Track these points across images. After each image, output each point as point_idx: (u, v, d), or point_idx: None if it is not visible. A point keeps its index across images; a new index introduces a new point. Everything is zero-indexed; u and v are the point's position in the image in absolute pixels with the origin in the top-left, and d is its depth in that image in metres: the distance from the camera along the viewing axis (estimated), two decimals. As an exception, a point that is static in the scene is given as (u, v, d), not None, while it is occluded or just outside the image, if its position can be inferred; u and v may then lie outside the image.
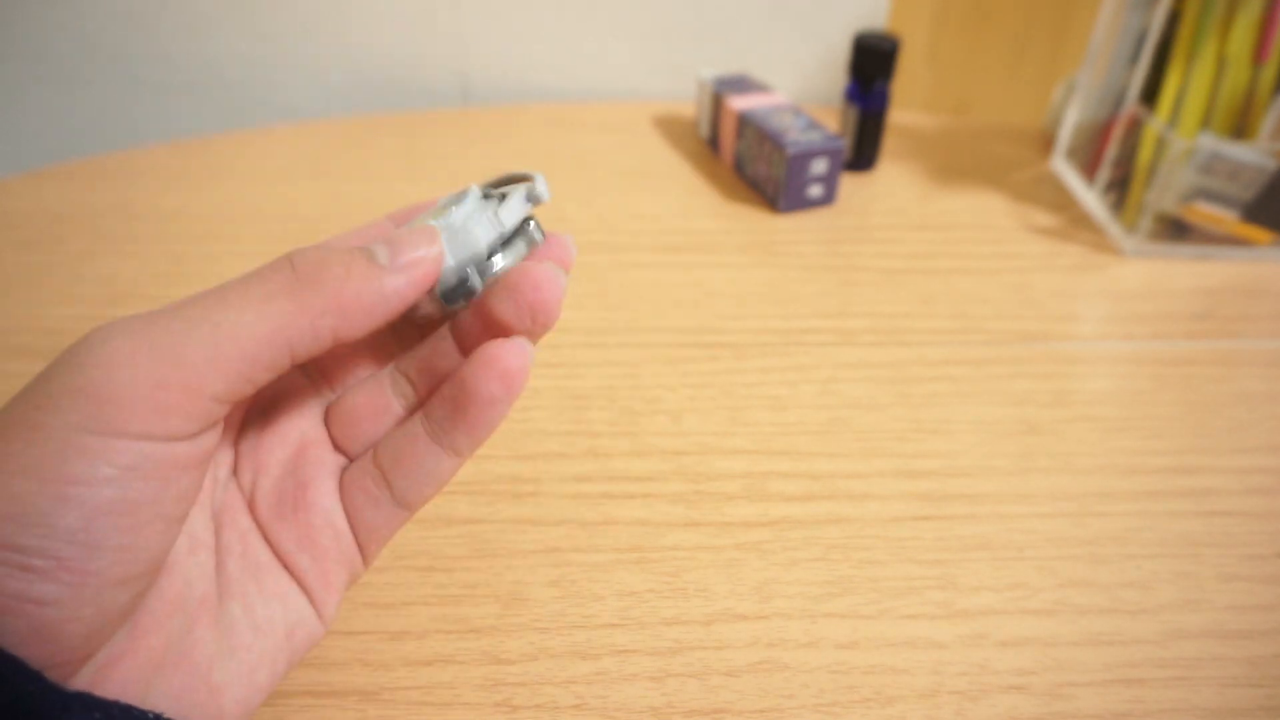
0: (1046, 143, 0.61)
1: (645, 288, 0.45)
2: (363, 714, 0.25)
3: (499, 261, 0.22)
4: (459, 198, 0.23)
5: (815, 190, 0.52)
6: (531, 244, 0.23)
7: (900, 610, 0.29)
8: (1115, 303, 0.46)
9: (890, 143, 0.61)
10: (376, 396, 0.23)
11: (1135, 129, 0.50)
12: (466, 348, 0.22)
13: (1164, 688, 0.27)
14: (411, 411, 0.23)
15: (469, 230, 0.22)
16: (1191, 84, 0.46)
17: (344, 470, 0.23)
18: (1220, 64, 0.46)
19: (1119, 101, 0.52)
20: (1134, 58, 0.50)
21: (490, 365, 0.21)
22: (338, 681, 0.26)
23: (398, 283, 0.20)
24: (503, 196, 0.23)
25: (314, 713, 0.25)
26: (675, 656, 0.28)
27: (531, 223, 0.23)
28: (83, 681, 0.18)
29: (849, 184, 0.56)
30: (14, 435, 0.17)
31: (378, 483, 0.22)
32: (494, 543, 0.31)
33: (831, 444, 0.36)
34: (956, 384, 0.39)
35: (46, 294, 0.44)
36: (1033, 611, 0.29)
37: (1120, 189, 0.51)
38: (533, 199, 0.23)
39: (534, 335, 0.22)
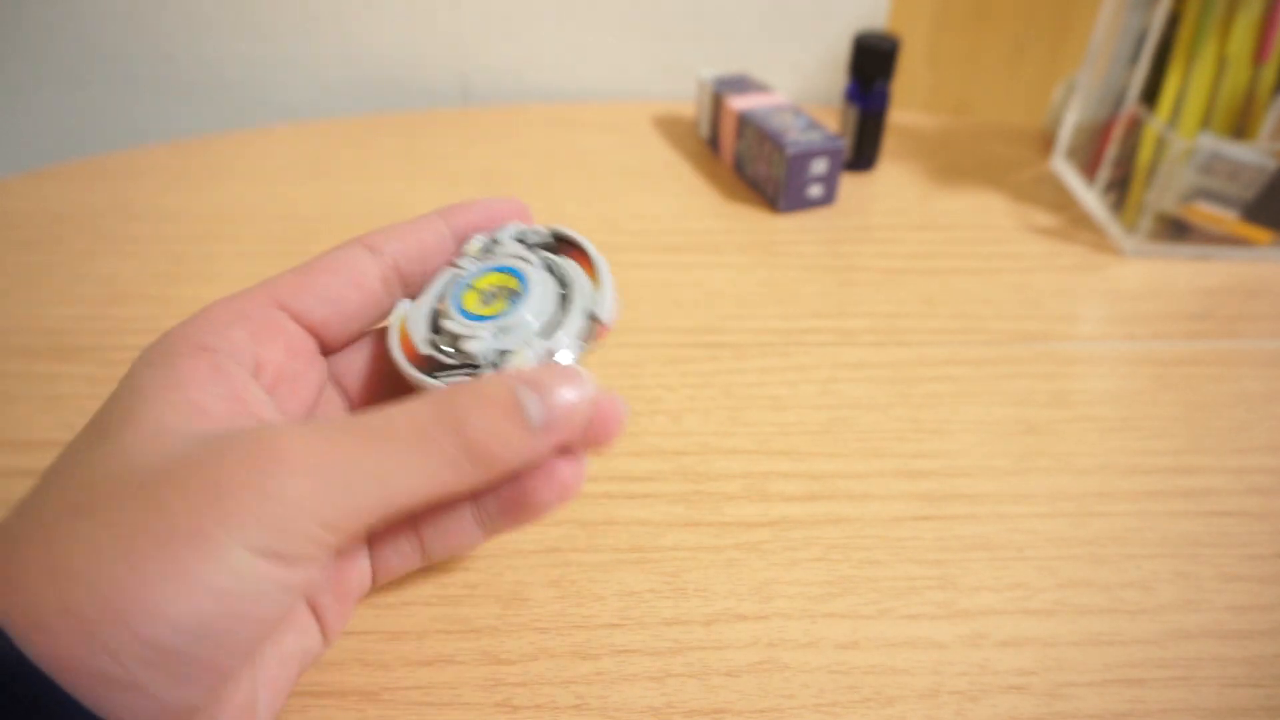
0: (1046, 143, 0.61)
1: (645, 288, 0.45)
2: (363, 714, 0.25)
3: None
4: (508, 244, 0.26)
5: (815, 190, 0.52)
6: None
7: (900, 610, 0.29)
8: (1115, 303, 0.46)
9: (890, 143, 0.61)
10: None
11: (1135, 129, 0.50)
12: None
13: (1164, 688, 0.27)
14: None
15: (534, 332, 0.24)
16: (1192, 84, 0.46)
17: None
18: (1220, 64, 0.46)
19: (1119, 101, 0.52)
20: (1134, 58, 0.50)
21: (551, 478, 0.23)
22: (338, 681, 0.26)
23: (543, 445, 0.21)
24: (552, 249, 0.26)
25: (314, 713, 0.25)
26: (675, 656, 0.28)
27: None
28: None
29: (849, 184, 0.56)
30: (186, 545, 0.17)
31: (412, 544, 0.25)
32: (494, 543, 0.31)
33: (831, 444, 0.36)
34: (956, 384, 0.39)
35: (46, 294, 0.44)
36: (1033, 611, 0.29)
37: (1120, 189, 0.51)
38: (591, 330, 0.24)
39: (589, 452, 0.24)
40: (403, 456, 0.19)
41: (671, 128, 0.63)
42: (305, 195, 0.53)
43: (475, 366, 0.23)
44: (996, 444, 0.36)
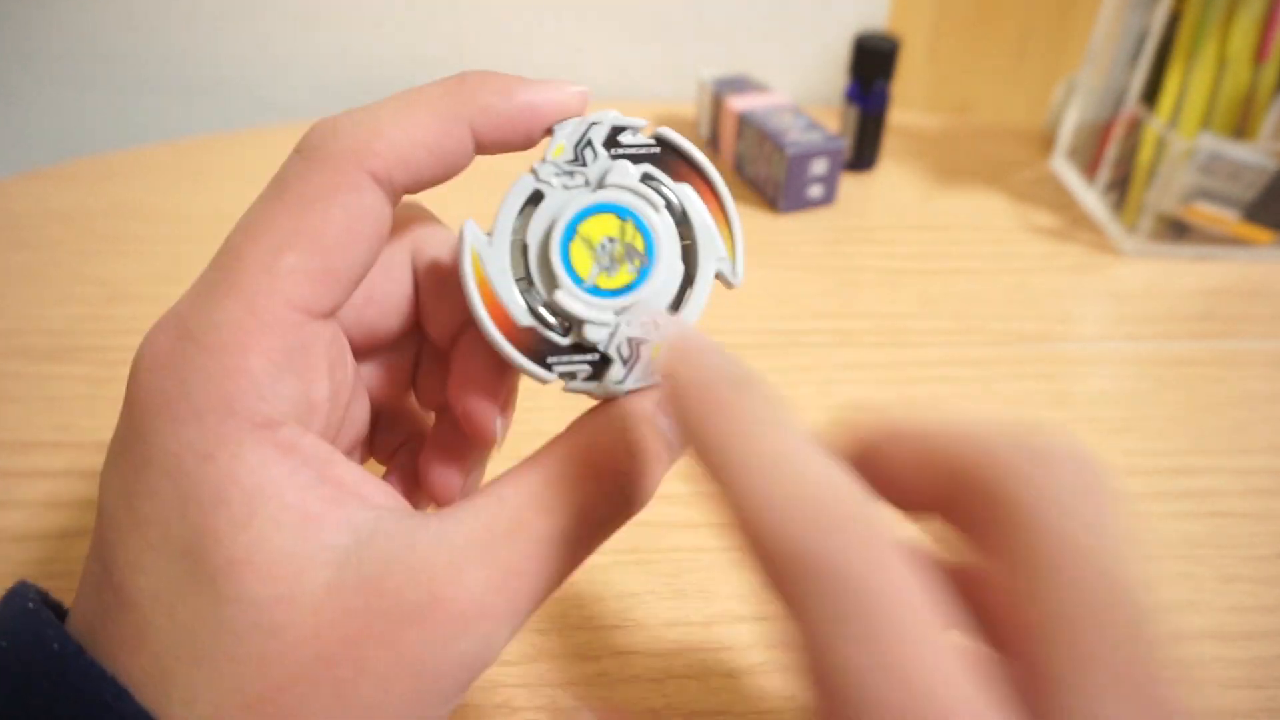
0: (1046, 143, 0.61)
1: (645, 288, 0.45)
2: (363, 715, 0.25)
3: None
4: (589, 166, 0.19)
5: (815, 190, 0.52)
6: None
7: (901, 611, 0.29)
8: (1115, 303, 0.46)
9: (890, 143, 0.61)
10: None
11: (1135, 129, 0.49)
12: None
13: (1165, 689, 0.27)
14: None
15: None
16: (1192, 84, 0.46)
17: None
18: (1221, 64, 0.46)
19: (1119, 101, 0.52)
20: (1134, 58, 0.50)
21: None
22: (338, 682, 0.26)
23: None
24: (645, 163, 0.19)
25: (314, 714, 0.25)
26: (675, 658, 0.27)
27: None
28: None
29: (849, 184, 0.56)
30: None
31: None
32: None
33: (832, 444, 0.36)
34: (956, 384, 0.39)
35: (46, 294, 0.44)
36: (1033, 612, 0.29)
37: (1120, 189, 0.51)
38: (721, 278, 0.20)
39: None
40: (571, 539, 0.17)
41: (672, 128, 0.63)
42: (305, 195, 0.52)
43: (596, 352, 0.19)
44: (997, 444, 0.36)
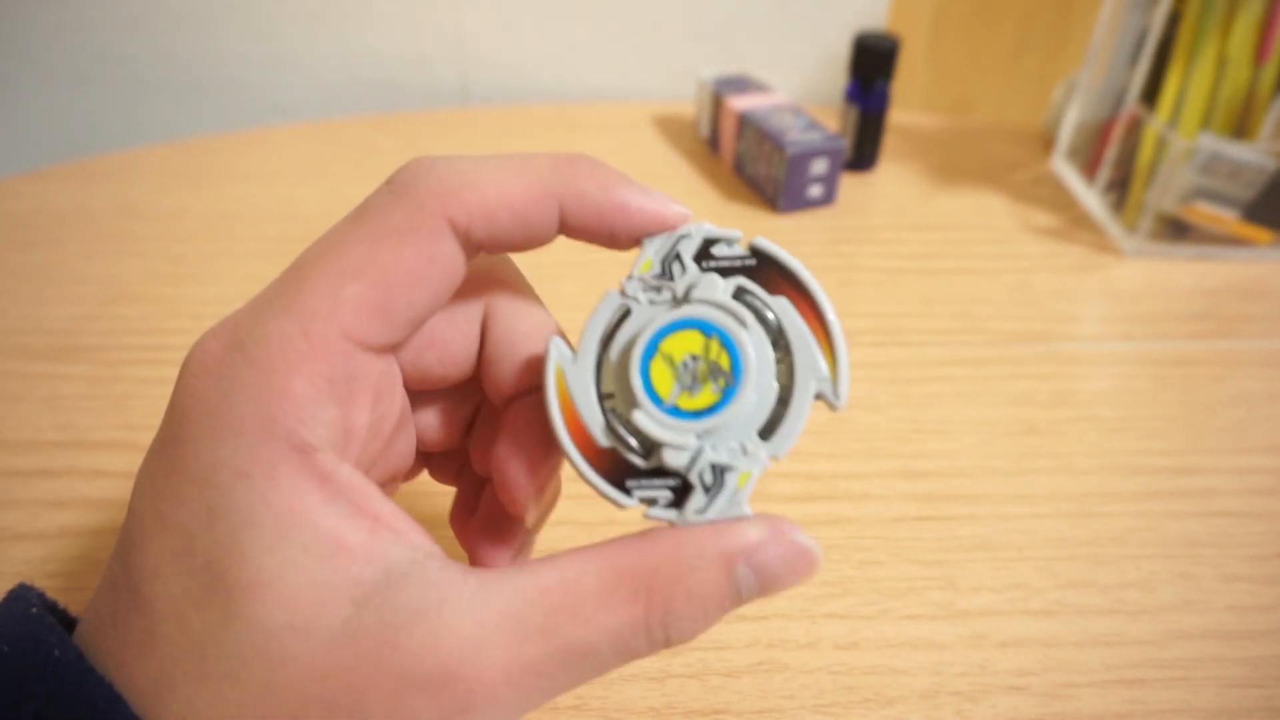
0: (1046, 143, 0.61)
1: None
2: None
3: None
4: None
5: (815, 190, 0.52)
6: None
7: (900, 611, 0.29)
8: (1115, 303, 0.46)
9: (890, 143, 0.61)
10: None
11: (1135, 129, 0.49)
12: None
13: (1164, 688, 0.27)
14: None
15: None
16: (1192, 84, 0.46)
17: None
18: (1221, 64, 0.46)
19: (1119, 101, 0.52)
20: (1134, 58, 0.50)
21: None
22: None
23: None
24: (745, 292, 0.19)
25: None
26: (675, 657, 0.27)
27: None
28: None
29: (849, 184, 0.56)
30: None
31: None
32: (494, 543, 0.31)
33: (831, 444, 0.36)
34: (956, 384, 0.39)
35: (47, 294, 0.44)
36: (1032, 612, 0.29)
37: (1120, 189, 0.51)
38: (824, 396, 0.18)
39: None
40: (598, 657, 0.17)
41: (671, 128, 0.63)
42: (305, 195, 0.53)
43: (679, 478, 0.18)
44: (996, 444, 0.36)
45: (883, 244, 0.50)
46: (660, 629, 0.17)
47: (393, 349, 0.18)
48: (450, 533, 0.30)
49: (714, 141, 0.59)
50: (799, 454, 0.35)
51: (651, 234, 0.19)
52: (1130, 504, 0.34)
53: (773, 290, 0.19)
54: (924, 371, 0.40)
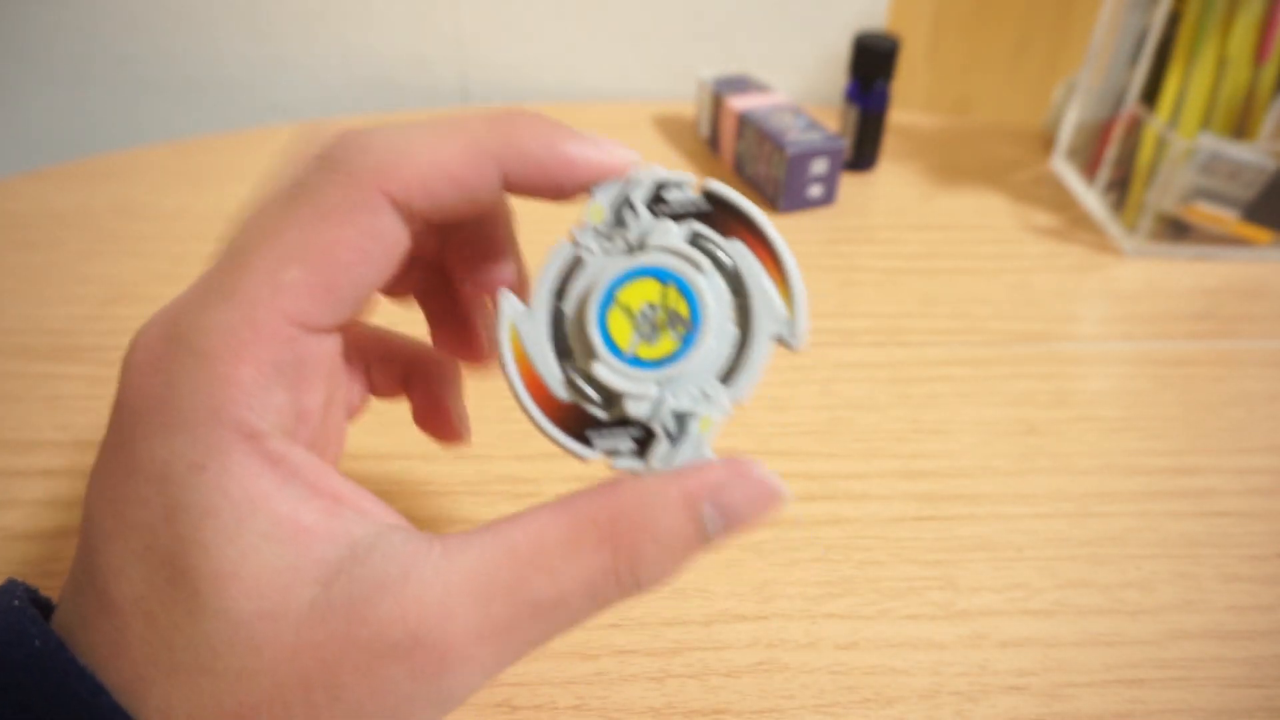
0: (1046, 143, 0.61)
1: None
2: (362, 714, 0.25)
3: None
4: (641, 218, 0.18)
5: (815, 190, 0.52)
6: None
7: (900, 610, 0.29)
8: (1115, 303, 0.46)
9: (890, 143, 0.61)
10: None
11: (1135, 129, 0.49)
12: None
13: (1164, 688, 0.27)
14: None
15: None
16: (1192, 84, 0.46)
17: None
18: (1221, 64, 0.46)
19: (1119, 101, 0.52)
20: (1134, 58, 0.50)
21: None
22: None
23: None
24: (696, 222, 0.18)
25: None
26: (675, 657, 0.28)
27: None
28: None
29: (849, 184, 0.56)
30: None
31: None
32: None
33: (831, 444, 0.36)
34: (956, 384, 0.39)
35: (47, 294, 0.44)
36: (1033, 612, 0.29)
37: (1120, 189, 0.51)
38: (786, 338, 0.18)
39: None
40: (570, 608, 0.17)
41: (671, 128, 0.63)
42: (305, 195, 0.52)
43: (640, 427, 0.18)
44: (996, 444, 0.36)
45: (883, 244, 0.50)
46: (629, 575, 0.17)
47: (339, 328, 0.18)
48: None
49: (714, 141, 0.59)
50: (799, 454, 0.35)
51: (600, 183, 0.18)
52: (1130, 504, 0.34)
53: (727, 233, 0.18)
54: (924, 371, 0.40)
